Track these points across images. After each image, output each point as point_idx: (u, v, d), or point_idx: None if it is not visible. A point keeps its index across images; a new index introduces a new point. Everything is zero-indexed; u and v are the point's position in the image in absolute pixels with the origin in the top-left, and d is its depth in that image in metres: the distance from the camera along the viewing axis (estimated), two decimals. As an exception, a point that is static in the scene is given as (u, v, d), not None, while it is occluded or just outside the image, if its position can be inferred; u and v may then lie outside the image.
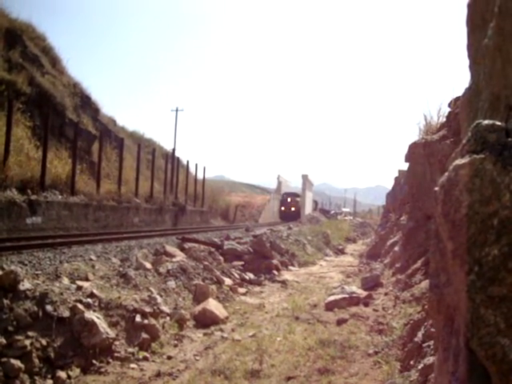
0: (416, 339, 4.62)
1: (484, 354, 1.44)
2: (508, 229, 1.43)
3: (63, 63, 26.07)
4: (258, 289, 10.08)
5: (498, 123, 1.60)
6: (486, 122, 1.61)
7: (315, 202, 60.20)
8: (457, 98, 7.16)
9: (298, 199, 50.51)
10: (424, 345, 4.28)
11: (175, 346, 6.01)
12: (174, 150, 34.30)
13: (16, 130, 16.22)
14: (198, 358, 5.51)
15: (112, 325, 5.60)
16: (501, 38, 1.95)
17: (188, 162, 32.41)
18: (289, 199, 51.03)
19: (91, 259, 8.40)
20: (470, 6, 2.55)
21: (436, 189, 1.75)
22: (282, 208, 51.42)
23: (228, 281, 9.56)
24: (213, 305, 7.39)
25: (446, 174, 1.61)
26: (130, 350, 5.46)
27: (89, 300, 5.70)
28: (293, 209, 49.62)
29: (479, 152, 1.55)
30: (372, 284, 9.26)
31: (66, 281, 6.24)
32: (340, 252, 20.46)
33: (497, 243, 1.44)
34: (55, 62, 25.02)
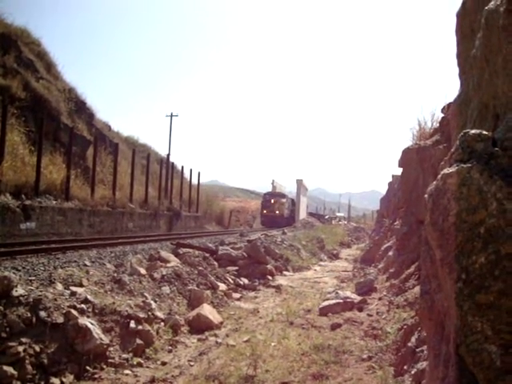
0: (410, 344, 4.64)
1: (472, 360, 1.46)
2: (495, 237, 1.46)
3: (58, 68, 26.05)
4: (252, 294, 10.08)
5: (485, 132, 1.63)
6: (474, 131, 1.64)
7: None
8: (449, 104, 7.21)
9: (284, 200, 44.15)
10: (417, 350, 4.30)
11: (169, 351, 6.00)
12: (168, 155, 34.30)
13: (10, 135, 16.17)
14: (192, 363, 5.50)
15: (106, 331, 5.59)
16: (488, 50, 1.99)
17: (183, 167, 32.42)
18: (272, 200, 43.09)
19: (85, 265, 8.38)
20: (458, 16, 2.59)
21: (426, 196, 1.77)
22: (264, 211, 43.18)
23: (222, 286, 9.55)
24: (207, 310, 7.38)
25: (435, 182, 1.63)
26: (125, 355, 5.45)
27: (83, 306, 5.68)
28: (277, 212, 42.26)
29: (467, 161, 1.57)
30: (366, 289, 9.27)
31: (59, 286, 6.22)
32: (334, 257, 20.47)
33: (484, 251, 1.46)
34: (50, 67, 24.97)
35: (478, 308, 1.45)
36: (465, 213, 1.50)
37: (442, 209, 1.57)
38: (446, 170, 1.58)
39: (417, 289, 6.47)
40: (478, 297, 1.45)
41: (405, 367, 4.44)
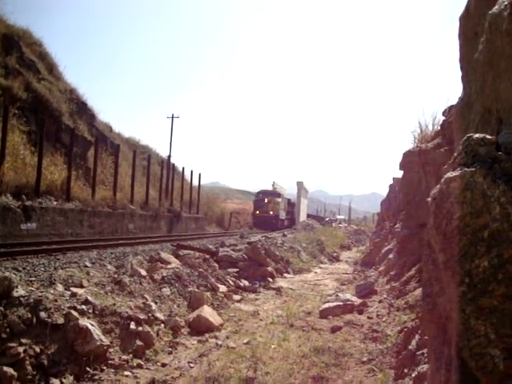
0: (410, 347, 4.64)
1: (475, 364, 1.46)
2: (498, 241, 1.46)
3: (60, 69, 26.12)
4: (252, 296, 10.07)
5: (489, 137, 1.63)
6: (477, 135, 1.64)
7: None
8: (451, 107, 7.22)
9: (279, 200, 40.19)
10: (418, 352, 4.30)
11: (169, 353, 5.99)
12: (169, 156, 34.35)
13: (11, 136, 16.20)
14: (192, 365, 5.49)
15: (106, 332, 5.58)
16: (491, 53, 1.99)
17: (183, 168, 32.45)
18: (265, 200, 39.25)
19: (86, 266, 8.39)
20: (462, 19, 2.60)
21: (428, 199, 1.77)
22: (257, 212, 39.45)
23: (223, 288, 9.55)
24: (207, 312, 7.37)
25: (438, 186, 1.63)
26: (125, 357, 5.44)
27: (83, 307, 5.67)
28: (271, 213, 38.64)
29: (470, 165, 1.57)
30: (366, 291, 9.27)
31: (60, 287, 6.22)
32: (335, 259, 20.46)
33: (487, 255, 1.46)
34: (52, 67, 25.05)
35: (481, 312, 1.45)
36: (468, 217, 1.50)
37: (446, 212, 1.57)
38: (450, 174, 1.59)
39: (417, 291, 6.47)
40: (482, 301, 1.45)
41: (405, 370, 4.44)
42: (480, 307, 1.46)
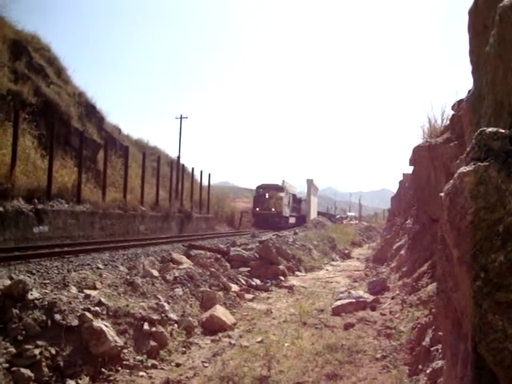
0: (424, 343, 4.62)
1: (492, 359, 1.45)
2: (513, 235, 1.45)
3: (68, 73, 26.31)
4: (264, 295, 10.07)
5: (502, 131, 1.62)
6: (490, 129, 1.63)
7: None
8: (460, 101, 7.17)
9: (282, 195, 35.22)
10: (432, 349, 4.28)
11: (183, 353, 6.01)
12: (178, 157, 34.46)
13: (22, 140, 16.34)
14: (206, 364, 5.51)
15: (120, 333, 5.61)
16: (502, 46, 1.97)
17: (193, 168, 32.52)
18: (267, 195, 34.65)
19: (98, 267, 8.45)
20: (471, 13, 2.58)
21: (441, 194, 1.77)
22: (257, 209, 35.01)
23: (235, 287, 9.56)
24: (220, 311, 7.39)
25: (451, 181, 1.63)
26: (139, 357, 5.47)
27: (97, 308, 5.72)
28: (273, 210, 34.14)
29: (483, 159, 1.56)
30: (379, 288, 9.24)
31: (73, 289, 6.27)
32: (346, 256, 20.42)
33: (502, 249, 1.45)
34: (60, 71, 25.23)
35: (498, 306, 1.44)
36: (483, 211, 1.49)
37: (460, 208, 1.56)
38: (463, 169, 1.58)
39: (430, 287, 6.44)
40: (498, 295, 1.44)
41: (419, 366, 4.42)
42: (497, 302, 1.45)
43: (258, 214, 34.85)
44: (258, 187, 37.36)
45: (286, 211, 37.25)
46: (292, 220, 40.12)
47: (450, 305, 2.01)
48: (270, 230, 28.24)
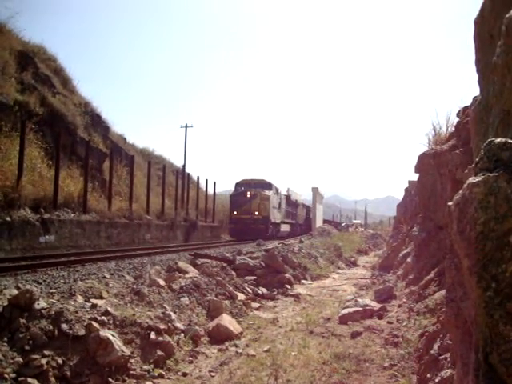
0: (432, 351, 4.58)
1: (505, 370, 1.45)
2: (524, 245, 1.45)
3: (74, 83, 26.54)
4: (271, 303, 10.05)
5: (511, 141, 1.62)
6: (499, 139, 1.63)
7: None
8: (465, 108, 7.17)
9: (268, 194, 26.75)
10: (440, 357, 4.25)
11: (190, 362, 6.00)
12: (184, 166, 34.56)
13: (29, 150, 16.48)
14: (213, 374, 5.49)
15: (127, 342, 5.61)
16: (509, 57, 1.98)
17: (198, 177, 32.62)
18: (248, 193, 26.47)
19: (105, 277, 8.46)
20: (476, 23, 2.59)
21: (449, 204, 1.77)
22: (235, 212, 26.99)
23: (241, 296, 9.54)
24: (227, 320, 7.37)
25: (460, 191, 1.63)
26: (146, 367, 5.46)
27: (103, 318, 5.72)
28: (256, 213, 26.05)
29: (492, 170, 1.57)
30: (385, 296, 9.20)
31: (80, 299, 6.29)
32: (352, 264, 20.34)
33: (513, 260, 1.45)
34: (66, 82, 25.47)
35: (509, 317, 1.44)
36: (493, 222, 1.50)
37: (469, 218, 1.57)
38: (472, 179, 1.58)
39: (437, 295, 6.41)
40: (509, 305, 1.44)
41: (428, 375, 4.38)
42: (508, 312, 1.44)
43: (235, 219, 26.77)
44: (238, 184, 28.78)
45: (276, 216, 28.93)
46: (285, 228, 32.29)
47: (460, 314, 2.01)
48: (249, 241, 22.72)
